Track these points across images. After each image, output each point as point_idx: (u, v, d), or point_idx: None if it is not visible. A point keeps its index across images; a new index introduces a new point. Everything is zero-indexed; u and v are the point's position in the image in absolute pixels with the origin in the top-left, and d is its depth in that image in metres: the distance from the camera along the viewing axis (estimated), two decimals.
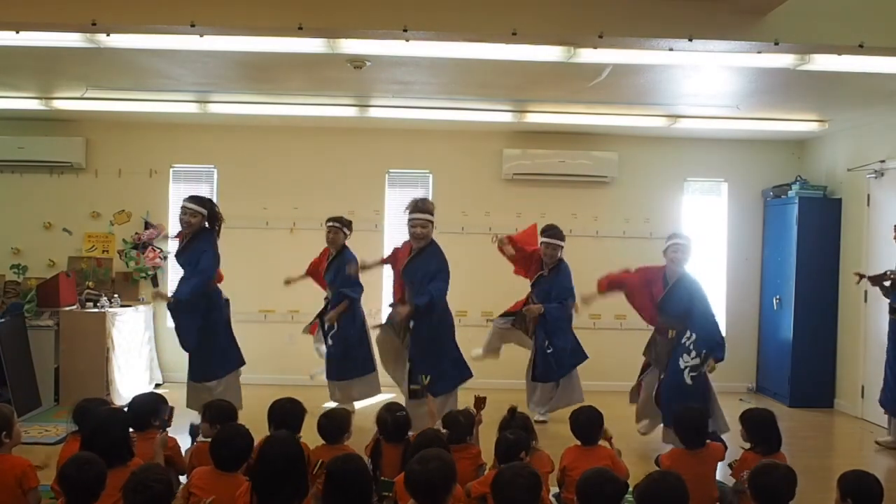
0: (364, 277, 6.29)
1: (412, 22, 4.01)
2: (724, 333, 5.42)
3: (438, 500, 2.78)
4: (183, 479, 3.67)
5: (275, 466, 2.91)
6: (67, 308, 6.56)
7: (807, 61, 4.54)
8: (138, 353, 7.01)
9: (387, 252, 6.45)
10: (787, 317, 7.31)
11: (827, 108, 6.41)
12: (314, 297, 6.60)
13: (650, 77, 5.41)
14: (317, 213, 7.00)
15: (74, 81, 5.98)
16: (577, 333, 6.34)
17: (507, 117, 6.88)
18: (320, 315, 6.41)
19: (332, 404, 5.84)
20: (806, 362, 7.17)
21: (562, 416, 5.02)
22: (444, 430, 3.72)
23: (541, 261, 6.29)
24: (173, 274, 6.98)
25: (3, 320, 6.13)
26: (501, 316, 6.55)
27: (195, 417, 4.70)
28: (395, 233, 7.31)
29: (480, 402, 4.04)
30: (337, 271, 6.26)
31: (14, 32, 4.22)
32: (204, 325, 5.52)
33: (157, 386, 7.12)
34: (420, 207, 5.51)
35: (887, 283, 5.83)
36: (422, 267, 5.48)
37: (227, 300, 5.73)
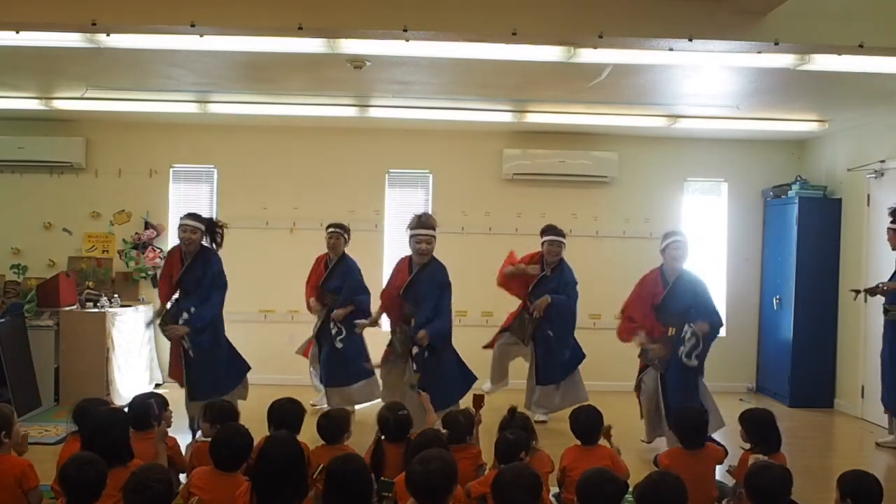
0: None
1: (412, 22, 4.01)
2: (724, 334, 5.42)
3: (440, 501, 2.78)
4: (183, 477, 3.68)
5: (275, 466, 2.91)
6: (67, 308, 6.56)
7: (807, 61, 4.54)
8: (138, 353, 7.01)
9: (386, 267, 6.32)
10: (787, 317, 7.31)
11: (827, 108, 6.42)
12: None
13: (650, 77, 5.41)
14: (317, 213, 7.00)
15: (74, 81, 5.98)
16: (576, 334, 6.35)
17: (507, 117, 6.88)
18: (317, 336, 6.33)
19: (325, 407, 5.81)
20: (806, 362, 7.17)
21: (562, 416, 5.02)
22: (444, 431, 3.72)
23: (541, 263, 6.28)
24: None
25: (3, 320, 6.14)
26: (500, 333, 6.49)
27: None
28: (395, 233, 7.32)
29: (479, 400, 4.04)
30: (343, 277, 6.23)
31: (14, 32, 4.22)
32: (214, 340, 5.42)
33: (157, 386, 7.12)
34: (424, 223, 5.37)
35: (880, 294, 5.91)
36: (427, 280, 5.38)
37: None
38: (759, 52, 4.33)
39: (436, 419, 4.26)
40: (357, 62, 5.01)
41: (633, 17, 4.07)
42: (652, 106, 6.43)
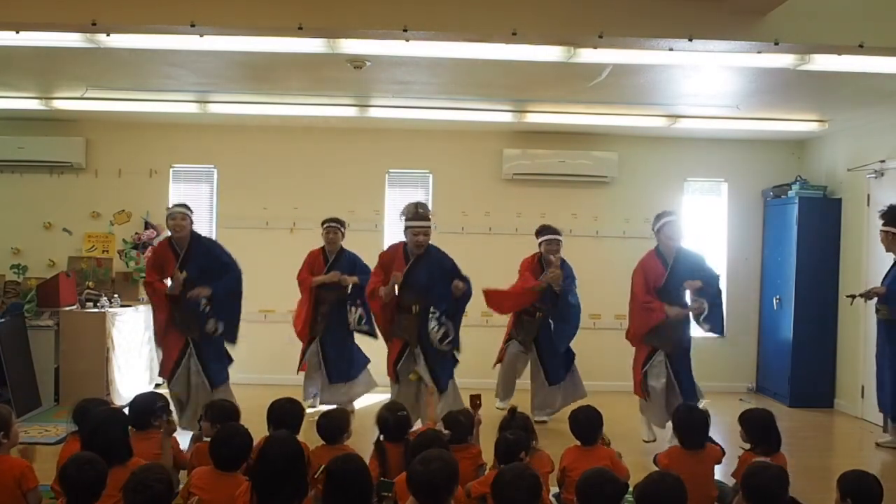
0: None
1: (412, 22, 4.01)
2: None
3: (441, 501, 2.78)
4: (183, 475, 3.68)
5: (275, 466, 2.91)
6: (67, 308, 6.56)
7: (807, 61, 4.55)
8: (138, 353, 7.01)
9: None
10: (787, 317, 7.31)
11: (827, 108, 6.42)
12: None
13: (650, 77, 5.41)
14: (317, 213, 6.98)
15: (74, 81, 5.98)
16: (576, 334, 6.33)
17: (507, 117, 6.88)
18: (320, 337, 6.32)
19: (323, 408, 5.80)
20: (806, 362, 7.17)
21: (562, 416, 5.02)
22: (445, 431, 3.72)
23: (540, 264, 6.25)
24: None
25: (3, 320, 6.14)
26: (505, 344, 6.43)
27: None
28: (395, 233, 7.30)
29: (476, 399, 4.04)
30: (350, 268, 6.27)
31: (14, 32, 4.22)
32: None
33: (157, 386, 7.10)
34: (422, 214, 5.37)
35: (875, 296, 5.89)
36: (436, 266, 5.39)
37: None
38: (759, 52, 4.34)
39: (438, 415, 4.26)
40: (357, 62, 5.01)
41: (633, 17, 4.07)
42: (652, 106, 6.43)
